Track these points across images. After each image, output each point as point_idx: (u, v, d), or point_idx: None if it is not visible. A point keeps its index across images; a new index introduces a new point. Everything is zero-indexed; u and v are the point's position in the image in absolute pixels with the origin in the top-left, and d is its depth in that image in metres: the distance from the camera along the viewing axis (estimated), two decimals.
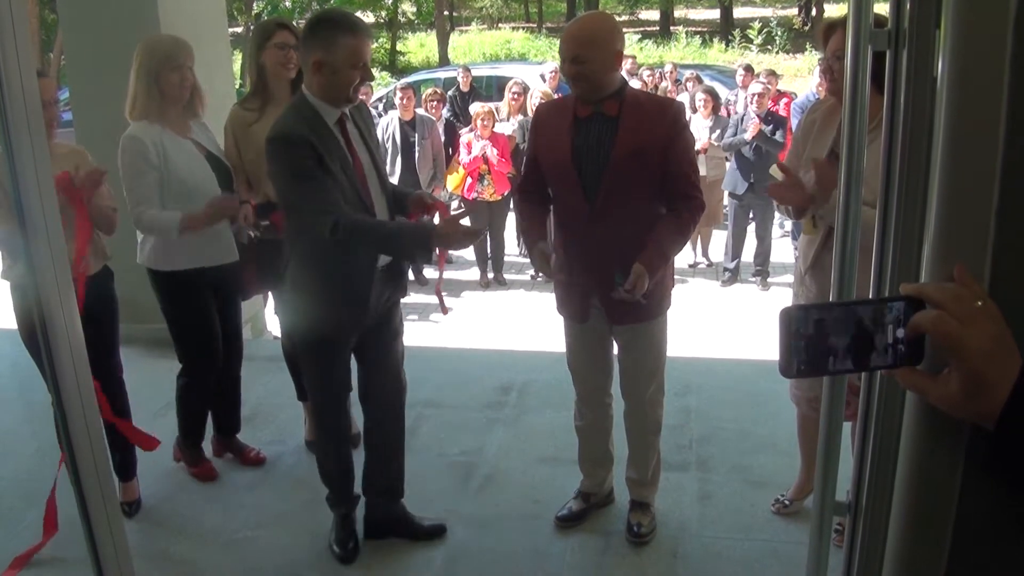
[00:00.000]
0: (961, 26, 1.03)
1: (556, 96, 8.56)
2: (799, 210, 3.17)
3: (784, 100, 9.61)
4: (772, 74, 9.77)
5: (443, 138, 8.62)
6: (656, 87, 9.88)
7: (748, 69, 10.34)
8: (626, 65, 10.48)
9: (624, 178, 3.18)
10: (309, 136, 2.96)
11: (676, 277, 3.59)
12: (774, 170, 3.33)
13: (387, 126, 8.29)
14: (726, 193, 8.47)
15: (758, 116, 7.93)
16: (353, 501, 3.62)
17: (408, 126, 8.25)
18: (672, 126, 3.19)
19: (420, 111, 8.52)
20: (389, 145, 8.14)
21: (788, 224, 9.46)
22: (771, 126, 7.93)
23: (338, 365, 3.40)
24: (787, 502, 3.70)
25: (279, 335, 6.07)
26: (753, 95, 8.14)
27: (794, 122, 8.56)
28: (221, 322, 3.97)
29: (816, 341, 1.04)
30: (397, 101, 8.46)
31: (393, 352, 3.52)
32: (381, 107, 12.28)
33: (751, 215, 8.32)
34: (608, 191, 3.20)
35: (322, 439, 3.61)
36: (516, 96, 8.72)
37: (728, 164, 8.30)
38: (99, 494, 1.85)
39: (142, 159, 3.59)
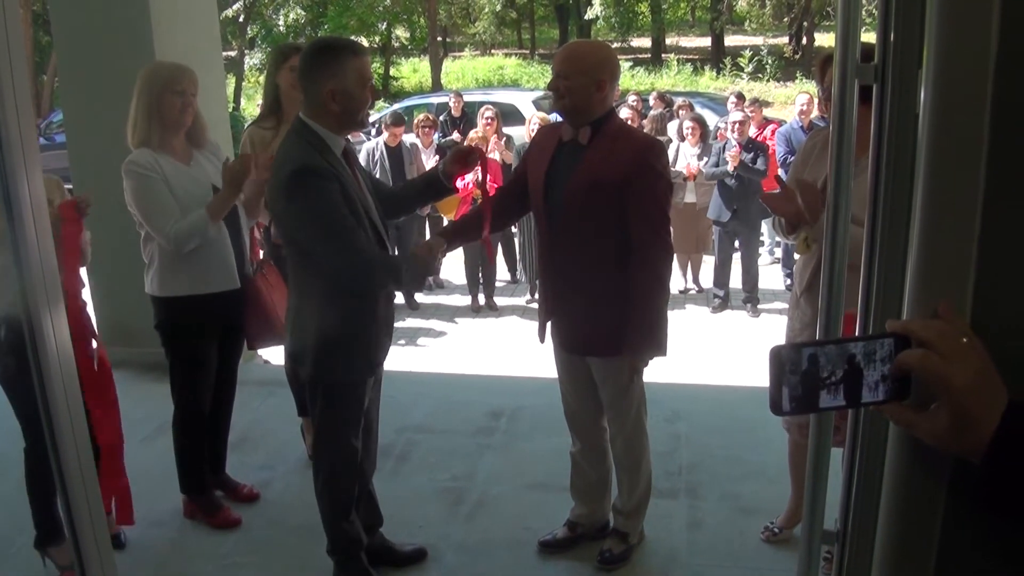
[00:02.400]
0: (941, 65, 1.05)
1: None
2: (792, 226, 3.19)
3: (771, 127, 9.68)
4: (756, 102, 9.84)
5: (437, 162, 8.64)
6: (639, 113, 9.91)
7: (740, 97, 10.41)
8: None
9: (580, 209, 3.20)
10: (331, 170, 2.91)
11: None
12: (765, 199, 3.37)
13: (371, 152, 8.33)
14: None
15: (739, 144, 7.97)
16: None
17: (394, 152, 8.30)
18: (636, 164, 3.15)
19: (404, 138, 8.56)
20: (378, 170, 8.17)
21: (778, 251, 9.51)
22: (752, 154, 7.97)
23: (360, 413, 3.27)
24: (776, 530, 3.70)
25: (268, 360, 6.08)
26: (734, 123, 8.18)
27: (779, 150, 8.61)
28: (221, 359, 3.91)
29: (808, 378, 1.05)
30: (384, 128, 8.49)
31: (380, 396, 3.52)
32: (374, 132, 12.32)
33: (736, 243, 8.35)
34: (564, 220, 3.24)
35: (341, 501, 3.35)
36: (489, 121, 8.68)
37: (712, 193, 8.33)
38: (88, 515, 1.85)
39: (147, 178, 3.55)
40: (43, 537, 3.53)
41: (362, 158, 8.28)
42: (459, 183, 7.90)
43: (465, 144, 3.29)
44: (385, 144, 8.32)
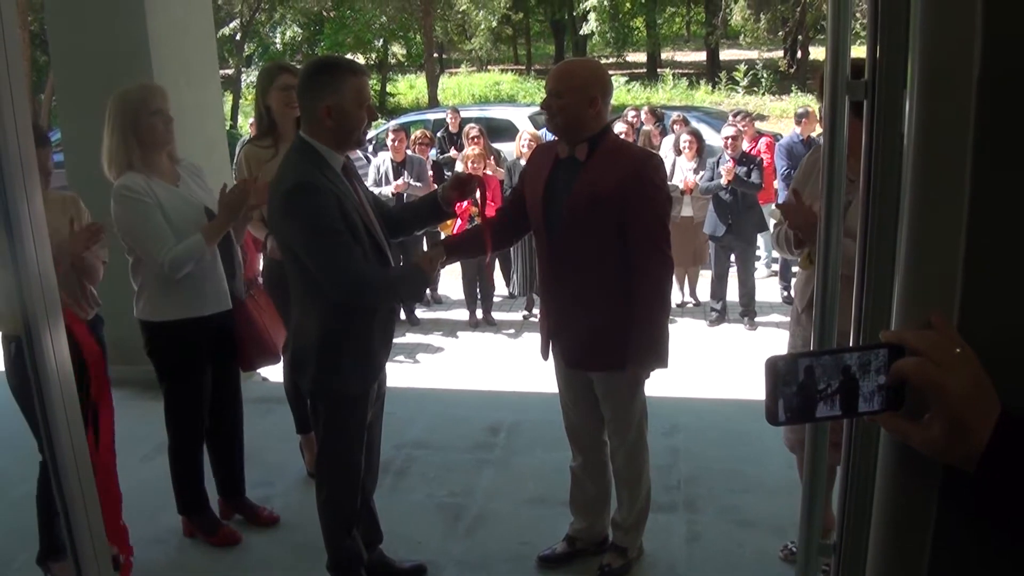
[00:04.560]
0: (925, 82, 1.07)
1: (543, 138, 8.61)
2: (799, 240, 3.19)
3: (765, 139, 9.71)
4: (746, 116, 9.86)
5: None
6: (636, 129, 9.93)
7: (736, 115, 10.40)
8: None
9: (580, 224, 3.22)
10: (329, 185, 2.93)
11: None
12: (774, 212, 3.37)
13: (379, 167, 8.38)
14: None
15: (732, 159, 7.99)
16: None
17: (400, 167, 8.34)
18: (634, 178, 3.17)
19: (410, 152, 8.60)
20: (384, 186, 8.23)
21: (776, 265, 9.52)
22: (745, 168, 7.98)
23: (363, 427, 3.27)
24: (795, 549, 3.68)
25: (266, 377, 6.08)
26: (726, 138, 8.19)
27: (779, 164, 8.63)
28: (219, 380, 3.88)
29: (805, 389, 1.06)
30: (389, 142, 8.53)
31: (382, 411, 3.52)
32: (372, 148, 12.36)
33: (732, 256, 8.36)
34: (565, 235, 3.26)
35: (342, 516, 3.34)
36: (475, 139, 8.66)
37: (708, 207, 8.33)
38: (88, 532, 1.85)
39: (140, 204, 3.49)
40: (45, 552, 3.52)
41: (371, 174, 8.33)
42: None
43: (464, 171, 3.28)
44: (391, 159, 8.37)
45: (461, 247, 3.63)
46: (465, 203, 7.46)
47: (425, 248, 8.94)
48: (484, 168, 8.12)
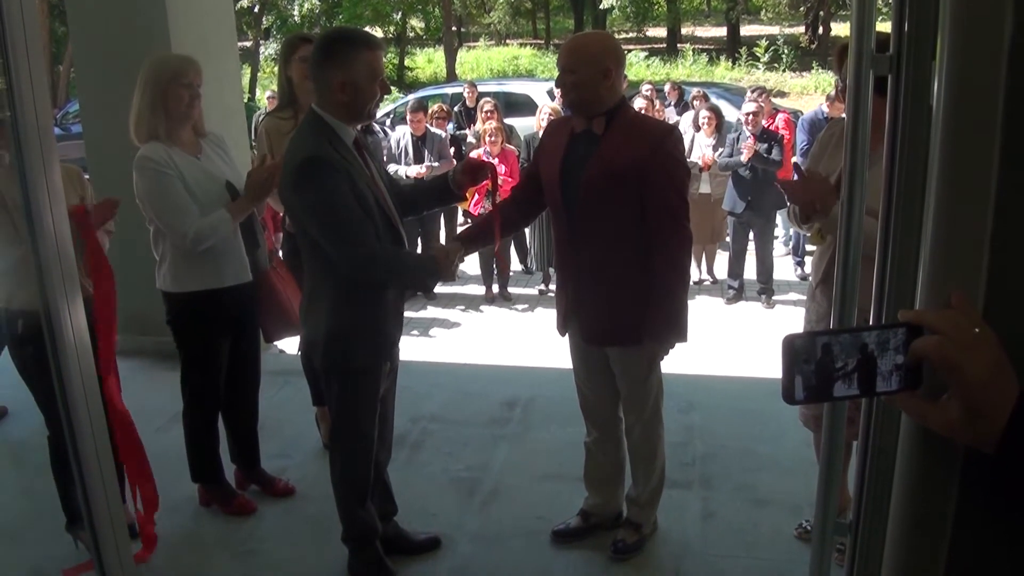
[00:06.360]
0: (955, 56, 1.05)
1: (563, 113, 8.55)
2: (805, 215, 3.17)
3: (782, 116, 9.63)
4: (763, 92, 9.78)
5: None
6: (652, 102, 9.87)
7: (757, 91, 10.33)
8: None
9: (598, 199, 3.19)
10: (340, 159, 2.91)
11: None
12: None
13: (399, 141, 8.35)
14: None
15: (752, 135, 7.93)
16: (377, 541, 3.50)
17: (420, 141, 8.33)
18: (653, 151, 3.13)
19: (431, 127, 8.58)
20: (402, 160, 8.22)
21: (791, 243, 9.47)
22: (766, 144, 7.92)
23: (375, 401, 3.27)
24: (810, 527, 3.68)
25: (283, 350, 6.10)
26: (747, 114, 8.13)
27: (800, 138, 8.56)
28: (238, 352, 3.88)
29: (822, 367, 1.05)
30: (408, 117, 8.51)
31: (395, 385, 3.52)
32: (389, 122, 12.35)
33: (750, 234, 8.31)
34: (583, 210, 3.23)
35: (356, 488, 3.37)
36: (489, 114, 8.59)
37: (727, 184, 8.28)
38: (104, 500, 1.87)
39: (162, 175, 3.48)
40: (72, 520, 3.56)
41: (392, 148, 8.31)
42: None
43: (477, 157, 3.25)
44: (411, 134, 8.34)
45: (478, 238, 3.58)
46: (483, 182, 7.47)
47: (443, 224, 8.98)
48: (501, 142, 8.07)
